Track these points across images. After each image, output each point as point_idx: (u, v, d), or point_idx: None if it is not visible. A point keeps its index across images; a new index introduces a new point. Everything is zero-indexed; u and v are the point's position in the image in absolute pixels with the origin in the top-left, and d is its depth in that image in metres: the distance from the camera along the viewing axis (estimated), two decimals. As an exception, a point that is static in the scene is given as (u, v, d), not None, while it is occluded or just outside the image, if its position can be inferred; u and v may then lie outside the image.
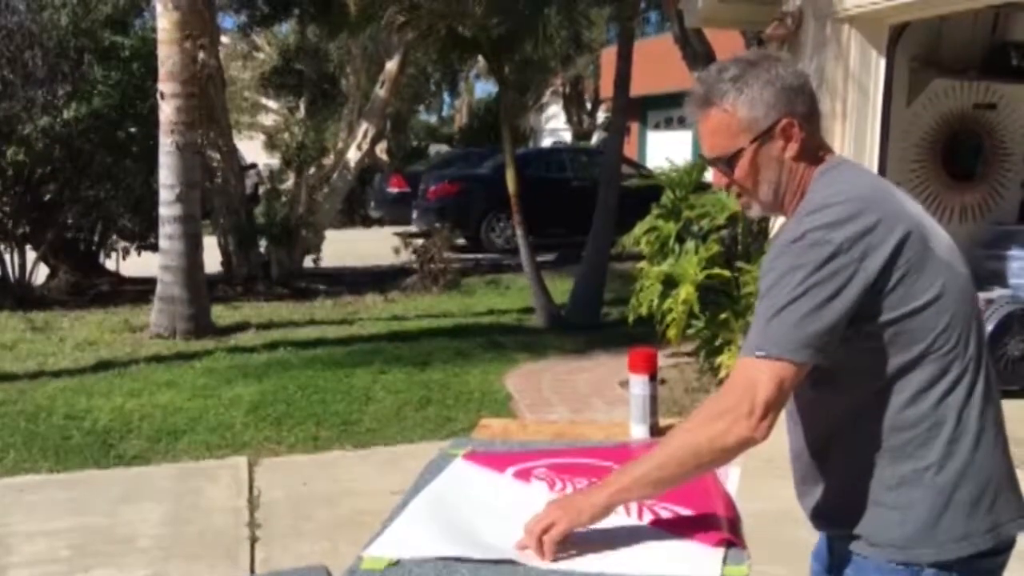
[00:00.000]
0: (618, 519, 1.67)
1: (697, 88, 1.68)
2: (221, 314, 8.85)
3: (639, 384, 2.14)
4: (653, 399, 2.15)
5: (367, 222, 18.45)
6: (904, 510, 1.57)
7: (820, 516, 1.71)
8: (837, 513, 1.66)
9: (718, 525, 1.67)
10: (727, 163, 1.67)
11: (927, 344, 1.55)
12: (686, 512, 1.73)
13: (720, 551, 1.58)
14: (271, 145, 17.25)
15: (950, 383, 1.56)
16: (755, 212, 1.75)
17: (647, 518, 1.71)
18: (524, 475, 1.93)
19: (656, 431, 2.16)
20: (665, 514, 1.72)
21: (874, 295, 1.52)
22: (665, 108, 21.86)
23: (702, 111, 1.67)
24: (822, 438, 1.67)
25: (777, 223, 6.00)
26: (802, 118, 1.64)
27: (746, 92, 1.62)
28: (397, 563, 1.54)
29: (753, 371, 1.52)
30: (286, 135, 13.62)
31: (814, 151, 1.67)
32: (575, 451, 2.09)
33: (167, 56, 8.02)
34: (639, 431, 2.16)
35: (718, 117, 1.65)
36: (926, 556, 1.56)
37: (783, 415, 1.68)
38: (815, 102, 1.68)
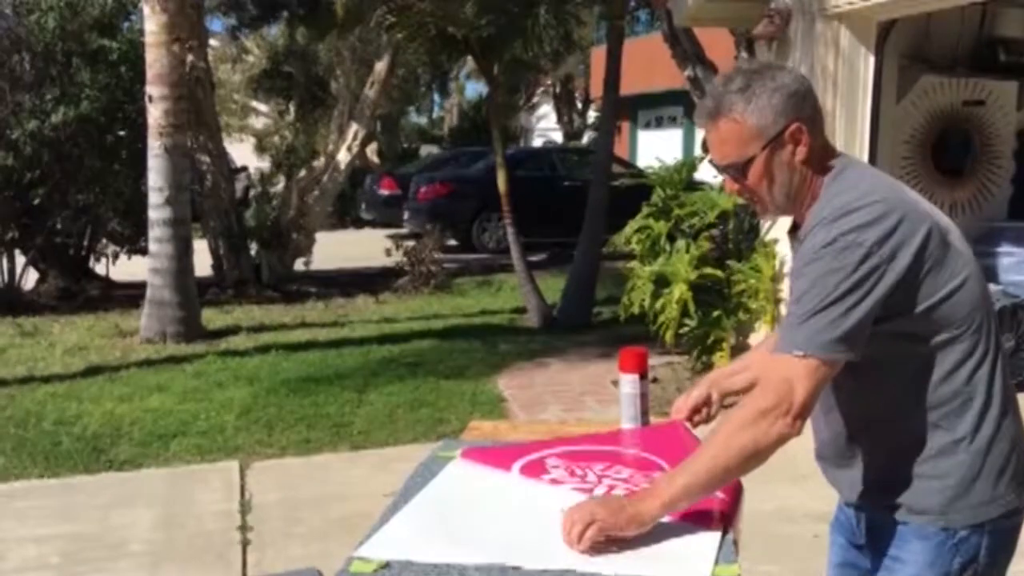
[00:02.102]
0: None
1: (706, 101, 1.75)
2: (212, 318, 8.82)
3: (629, 383, 2.14)
4: (644, 398, 2.14)
5: (358, 224, 18.41)
6: (941, 479, 1.68)
7: (860, 492, 1.79)
8: (878, 487, 1.75)
9: (713, 511, 1.68)
10: (740, 170, 1.73)
11: (956, 328, 1.67)
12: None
13: (715, 541, 1.58)
14: (261, 148, 17.26)
15: (977, 360, 1.68)
16: (769, 216, 1.86)
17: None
18: (535, 468, 1.89)
19: None
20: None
21: (905, 289, 1.62)
22: (655, 107, 21.88)
23: (712, 122, 1.73)
24: (863, 421, 1.76)
25: (767, 224, 6.01)
26: (809, 121, 1.71)
27: (754, 101, 1.69)
28: (387, 566, 1.52)
29: (790, 370, 1.60)
30: (276, 138, 13.63)
31: (821, 152, 1.74)
32: (574, 439, 2.09)
33: (155, 59, 7.99)
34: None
35: (728, 127, 1.71)
36: (961, 520, 1.69)
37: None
38: (818, 104, 1.75)
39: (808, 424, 1.79)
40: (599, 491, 1.75)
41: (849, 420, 1.77)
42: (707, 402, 2.07)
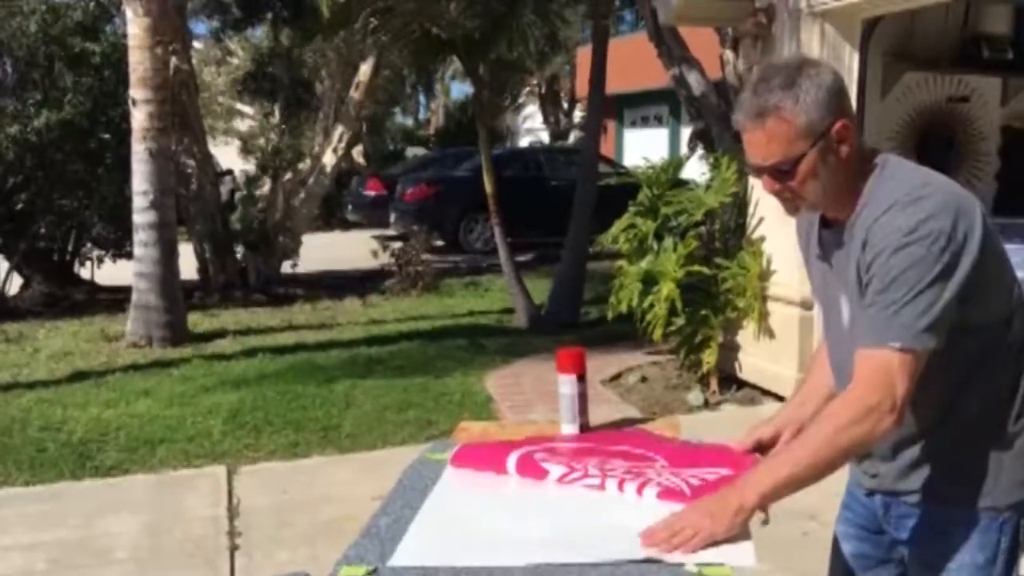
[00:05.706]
0: (629, 497, 1.69)
1: (746, 100, 1.70)
2: (198, 322, 8.78)
3: (567, 384, 2.11)
4: (582, 398, 2.12)
5: (345, 226, 18.35)
6: (989, 464, 1.73)
7: (906, 481, 1.80)
8: (929, 475, 1.76)
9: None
10: (786, 170, 1.69)
11: (1004, 313, 1.70)
12: (708, 475, 1.76)
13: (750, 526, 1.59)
14: (246, 151, 17.18)
15: (1019, 347, 1.72)
16: (802, 214, 1.83)
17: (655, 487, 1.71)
18: (529, 466, 1.87)
19: (585, 430, 2.13)
20: (690, 481, 1.73)
21: (979, 271, 1.62)
22: (641, 106, 21.93)
23: (755, 121, 1.68)
24: (916, 416, 1.72)
25: (755, 219, 6.01)
26: (852, 119, 1.70)
27: (802, 98, 1.65)
28: (375, 571, 1.51)
29: (889, 364, 1.60)
30: (261, 140, 13.57)
31: (860, 149, 1.73)
32: (558, 440, 2.08)
33: (138, 62, 7.94)
34: (569, 431, 2.13)
35: (775, 125, 1.66)
36: (1005, 501, 1.74)
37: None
38: (851, 100, 1.74)
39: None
40: (610, 484, 1.75)
41: (919, 415, 1.74)
42: (773, 442, 1.94)
